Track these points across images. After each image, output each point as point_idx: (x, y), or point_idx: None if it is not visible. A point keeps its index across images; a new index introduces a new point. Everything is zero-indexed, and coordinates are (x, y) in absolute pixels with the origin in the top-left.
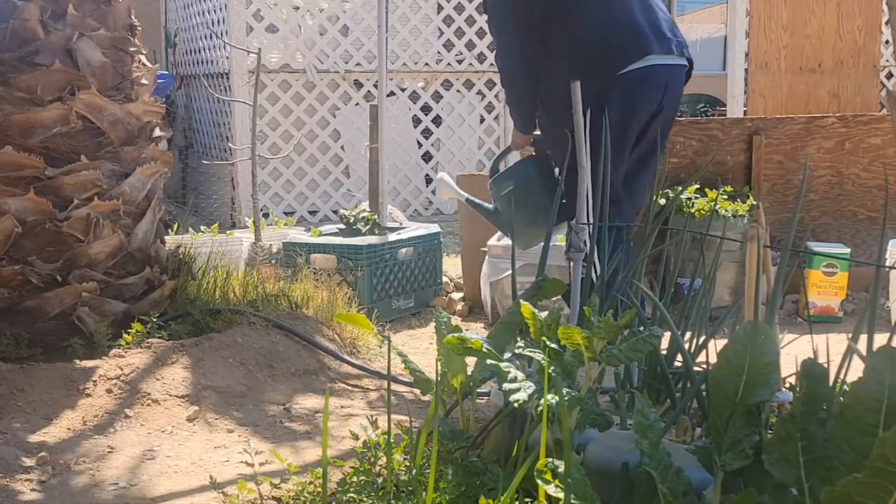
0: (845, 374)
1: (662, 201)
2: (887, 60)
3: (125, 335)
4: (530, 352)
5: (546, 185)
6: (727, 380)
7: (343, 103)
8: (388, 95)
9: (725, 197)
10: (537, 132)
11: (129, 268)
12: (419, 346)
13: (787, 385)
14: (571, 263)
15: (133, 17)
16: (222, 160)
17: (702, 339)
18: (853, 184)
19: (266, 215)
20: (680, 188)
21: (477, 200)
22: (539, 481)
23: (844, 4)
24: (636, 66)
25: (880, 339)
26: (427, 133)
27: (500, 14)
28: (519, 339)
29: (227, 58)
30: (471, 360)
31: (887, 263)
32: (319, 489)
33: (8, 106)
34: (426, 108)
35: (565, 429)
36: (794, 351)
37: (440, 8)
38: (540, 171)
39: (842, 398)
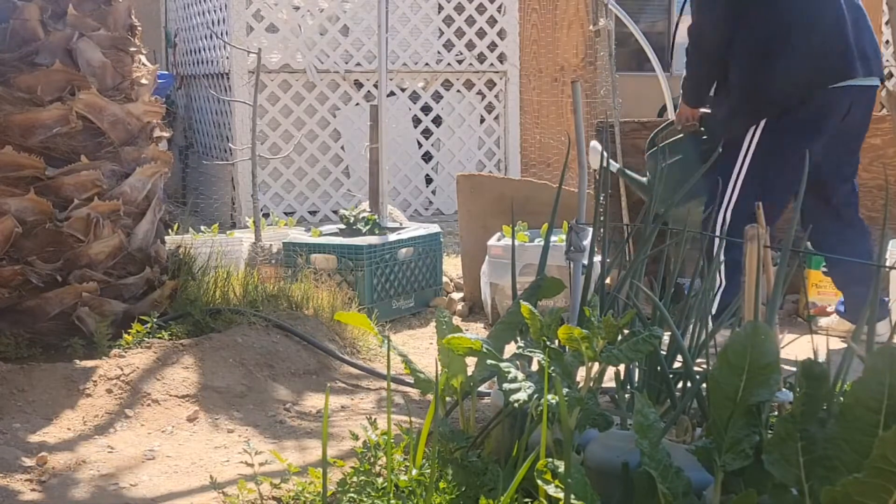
0: (845, 374)
1: None
2: (887, 60)
3: (125, 335)
4: (530, 352)
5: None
6: (727, 380)
7: (343, 103)
8: (388, 95)
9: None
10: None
11: (130, 268)
12: (419, 346)
13: (787, 385)
14: (572, 264)
15: (133, 17)
16: (222, 160)
17: (702, 339)
18: None
19: (266, 215)
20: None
21: (629, 172)
22: (539, 481)
23: None
24: (836, 86)
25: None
26: (427, 133)
27: None
28: (519, 339)
29: (227, 58)
30: (471, 360)
31: (887, 263)
32: (319, 489)
33: (8, 106)
34: (426, 108)
35: (565, 429)
36: (794, 351)
37: (440, 8)
38: (698, 149)
39: (842, 398)
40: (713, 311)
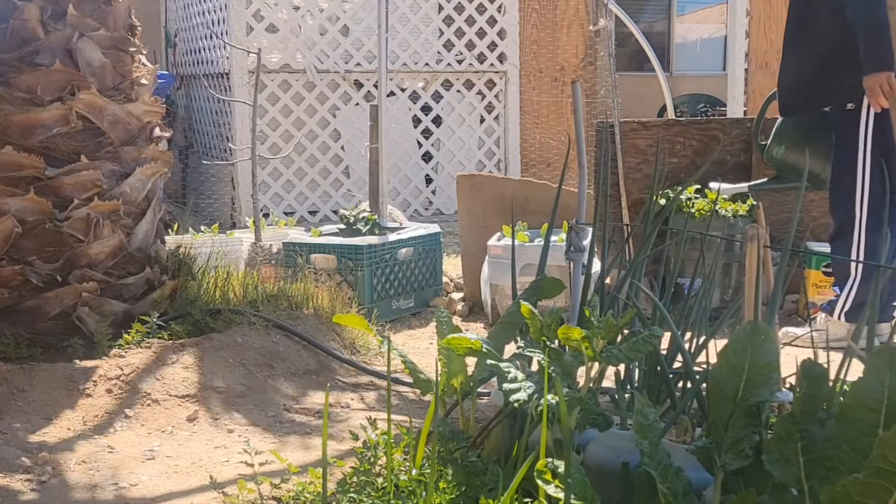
0: (845, 374)
1: (662, 201)
2: None
3: (125, 335)
4: (530, 352)
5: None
6: (727, 380)
7: (343, 103)
8: (388, 95)
9: (726, 197)
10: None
11: (130, 268)
12: (419, 346)
13: (787, 385)
14: (572, 264)
15: (133, 17)
16: (222, 160)
17: (702, 339)
18: None
19: (266, 215)
20: (680, 188)
21: (759, 181)
22: (539, 481)
23: None
24: None
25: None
26: (427, 133)
27: None
28: (519, 339)
29: (227, 58)
30: (471, 360)
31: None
32: (319, 489)
33: (8, 106)
34: (426, 108)
35: (565, 429)
36: (794, 351)
37: (440, 8)
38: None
39: (842, 398)
40: (847, 307)
